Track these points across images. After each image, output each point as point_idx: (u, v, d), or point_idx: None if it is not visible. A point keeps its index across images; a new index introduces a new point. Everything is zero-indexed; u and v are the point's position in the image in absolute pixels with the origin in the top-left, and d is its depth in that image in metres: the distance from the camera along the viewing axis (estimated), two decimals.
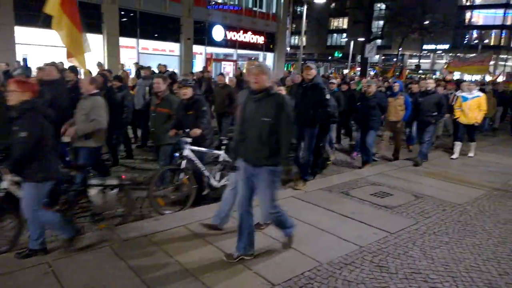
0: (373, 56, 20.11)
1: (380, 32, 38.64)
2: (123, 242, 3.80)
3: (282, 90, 6.16)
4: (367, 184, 6.18)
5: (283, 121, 3.28)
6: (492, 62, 46.73)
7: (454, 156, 8.47)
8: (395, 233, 4.31)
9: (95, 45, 16.46)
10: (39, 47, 14.70)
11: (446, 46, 48.60)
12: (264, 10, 24.43)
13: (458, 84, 13.74)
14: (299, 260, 3.64)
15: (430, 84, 7.79)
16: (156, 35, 19.19)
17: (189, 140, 4.90)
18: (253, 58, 16.97)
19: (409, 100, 7.83)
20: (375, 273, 3.45)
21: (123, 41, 17.53)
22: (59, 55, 14.32)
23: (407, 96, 7.96)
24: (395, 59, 43.45)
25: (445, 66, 21.93)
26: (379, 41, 39.69)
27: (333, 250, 3.86)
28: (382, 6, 40.73)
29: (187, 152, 4.92)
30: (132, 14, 17.78)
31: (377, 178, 6.55)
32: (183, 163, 4.88)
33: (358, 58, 29.15)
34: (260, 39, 24.31)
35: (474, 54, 20.61)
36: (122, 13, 17.29)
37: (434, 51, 50.28)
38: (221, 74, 9.85)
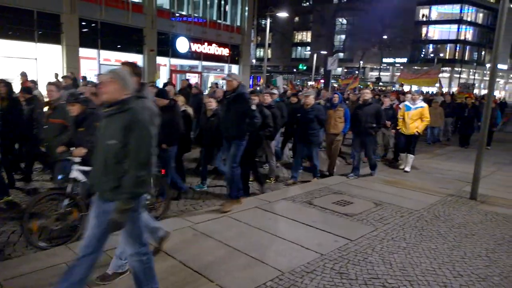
0: (335, 69, 20.74)
1: (342, 46, 40.02)
2: None
3: (212, 103, 6.35)
4: (329, 193, 6.29)
5: (131, 144, 2.55)
6: (441, 75, 49.69)
7: (407, 169, 8.23)
8: (355, 240, 4.39)
9: (54, 56, 15.93)
10: None
11: (405, 60, 51.13)
12: (228, 22, 24.64)
13: (399, 94, 14.51)
14: (262, 270, 3.62)
15: (367, 95, 7.57)
16: (118, 46, 18.80)
17: (76, 159, 4.22)
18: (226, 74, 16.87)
19: (349, 112, 7.68)
20: (336, 280, 3.49)
21: (84, 52, 17.03)
22: (16, 66, 13.70)
23: (346, 109, 7.75)
24: (356, 72, 45.06)
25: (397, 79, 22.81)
26: (341, 54, 41.12)
27: (295, 259, 3.88)
28: (343, 20, 42.35)
29: (75, 173, 4.19)
30: (93, 25, 17.34)
31: (339, 187, 6.69)
32: (69, 187, 4.15)
33: (322, 70, 29.95)
34: (225, 51, 24.43)
35: (425, 68, 21.30)
36: (83, 23, 16.83)
37: (393, 64, 52.76)
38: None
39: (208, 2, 23.35)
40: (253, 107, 5.25)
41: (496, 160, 10.03)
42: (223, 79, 6.05)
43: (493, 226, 5.13)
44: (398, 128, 8.38)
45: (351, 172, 7.59)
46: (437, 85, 21.06)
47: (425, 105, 8.15)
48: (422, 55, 54.21)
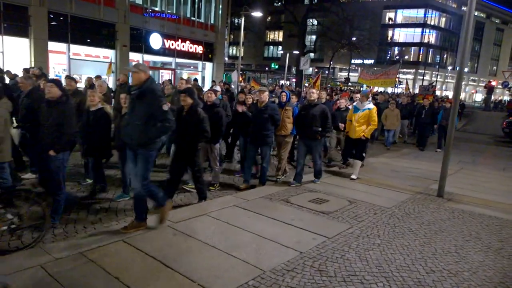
0: (307, 69, 20.99)
1: (313, 46, 40.62)
2: None
3: (123, 98, 5.67)
4: (305, 191, 6.42)
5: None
6: (404, 76, 51.36)
7: (353, 176, 7.48)
8: (332, 238, 4.52)
9: (21, 49, 15.24)
10: None
11: (372, 61, 52.59)
12: (202, 20, 24.43)
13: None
14: (243, 269, 3.66)
15: (313, 95, 6.84)
16: (89, 40, 18.21)
17: None
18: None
19: (301, 112, 7.02)
20: (316, 277, 3.58)
21: (53, 45, 16.38)
22: None
23: (295, 108, 7.20)
24: (327, 72, 45.90)
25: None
26: (312, 54, 41.74)
27: (276, 257, 3.94)
28: (314, 21, 43.00)
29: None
30: (62, 18, 16.70)
31: (314, 186, 6.83)
32: None
33: (294, 69, 30.33)
34: (199, 49, 24.22)
35: (383, 69, 20.82)
36: (52, 16, 16.18)
37: (361, 65, 54.19)
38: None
39: (183, 0, 23.06)
40: (165, 107, 4.16)
41: (460, 159, 10.55)
42: (128, 70, 5.04)
43: (460, 223, 5.42)
44: (346, 131, 7.86)
45: (293, 178, 6.94)
46: (403, 86, 21.43)
47: (372, 107, 7.47)
48: (388, 57, 56.01)
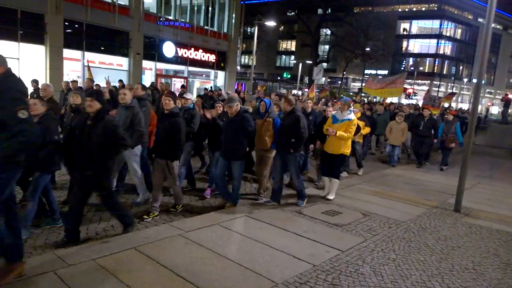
0: (320, 79, 20.97)
1: (326, 56, 40.63)
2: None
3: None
4: (318, 203, 6.33)
5: None
6: (419, 87, 50.80)
7: (329, 196, 6.54)
8: (346, 251, 4.43)
9: (37, 56, 15.56)
10: None
11: (386, 72, 52.35)
12: (215, 29, 24.68)
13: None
14: (255, 280, 3.59)
15: (286, 104, 6.03)
16: (103, 48, 18.53)
17: None
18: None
19: (279, 122, 6.15)
20: None
21: (68, 53, 16.70)
22: None
23: (277, 118, 6.19)
24: (339, 82, 45.85)
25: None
26: (325, 64, 41.76)
27: (288, 269, 3.87)
28: (327, 31, 43.09)
29: None
30: (77, 26, 17.05)
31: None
32: None
33: (306, 79, 30.34)
34: (211, 57, 24.42)
35: (390, 77, 19.42)
36: (67, 24, 16.52)
37: (375, 75, 53.93)
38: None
39: (196, 8, 23.36)
40: (22, 114, 3.11)
41: (477, 173, 10.33)
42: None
43: (477, 239, 5.26)
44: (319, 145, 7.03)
45: (270, 197, 6.27)
46: (417, 97, 20.03)
47: (353, 117, 6.47)
48: (402, 68, 55.69)
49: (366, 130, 8.88)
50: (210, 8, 24.28)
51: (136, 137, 5.48)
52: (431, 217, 6.07)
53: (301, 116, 5.94)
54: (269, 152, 6.24)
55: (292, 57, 58.12)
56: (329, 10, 37.77)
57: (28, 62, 15.20)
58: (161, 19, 20.98)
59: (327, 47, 46.39)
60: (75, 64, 17.29)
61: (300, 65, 33.19)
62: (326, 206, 6.19)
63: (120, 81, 14.02)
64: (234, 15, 25.38)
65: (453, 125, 10.59)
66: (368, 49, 38.35)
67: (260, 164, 6.42)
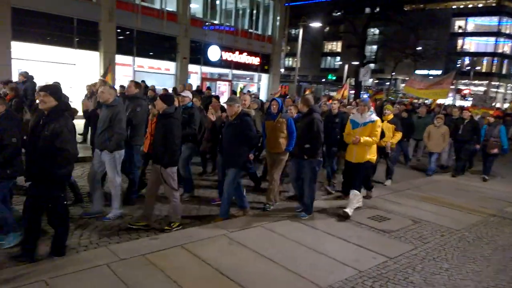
0: (367, 80, 20.40)
1: (373, 56, 39.45)
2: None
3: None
4: (364, 208, 6.14)
5: None
6: (476, 88, 47.59)
7: (347, 210, 5.53)
8: (394, 258, 4.25)
9: (92, 62, 16.55)
10: (35, 63, 14.67)
11: (439, 72, 49.78)
12: (259, 32, 24.83)
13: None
14: (299, 284, 3.56)
15: (300, 105, 5.58)
16: (152, 53, 19.32)
17: None
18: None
19: (293, 124, 5.71)
20: None
21: (120, 58, 17.61)
22: (55, 71, 14.34)
23: (290, 119, 5.74)
24: (388, 83, 44.32)
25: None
26: (372, 65, 40.56)
27: (333, 274, 3.79)
28: (375, 31, 41.83)
29: None
30: (129, 33, 17.92)
31: (373, 202, 6.51)
32: None
33: (352, 81, 29.67)
34: (256, 60, 24.60)
35: (437, 77, 16.96)
36: (119, 31, 17.43)
37: (427, 76, 51.56)
38: None
39: (240, 12, 23.68)
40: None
41: None
42: None
43: None
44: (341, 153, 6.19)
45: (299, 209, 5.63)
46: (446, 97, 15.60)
47: (376, 119, 5.65)
48: (457, 67, 52.67)
49: (397, 136, 7.61)
50: (254, 11, 24.49)
51: (115, 140, 4.83)
52: (487, 226, 5.67)
53: (317, 118, 5.30)
54: (283, 154, 5.75)
55: (338, 58, 57.05)
56: (377, 9, 36.65)
57: (84, 67, 16.22)
58: (207, 23, 21.48)
59: (374, 47, 45.04)
60: (126, 69, 18.17)
61: (346, 66, 32.50)
62: (372, 211, 5.99)
63: (143, 81, 14.03)
64: (278, 18, 25.41)
65: (496, 128, 9.19)
66: (419, 48, 36.71)
67: (271, 168, 5.92)
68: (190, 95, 6.33)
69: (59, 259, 3.70)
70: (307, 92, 16.89)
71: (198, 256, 3.97)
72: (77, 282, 3.30)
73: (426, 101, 21.13)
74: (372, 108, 5.83)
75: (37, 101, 4.06)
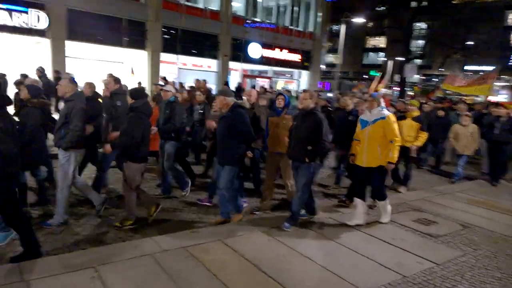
0: (412, 76, 19.58)
1: (420, 52, 37.73)
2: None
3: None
4: (408, 210, 5.91)
5: None
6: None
7: (384, 220, 5.17)
8: (442, 264, 4.05)
9: (138, 60, 17.24)
10: (86, 61, 15.51)
11: (492, 68, 46.73)
12: (300, 28, 24.62)
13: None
14: (339, 285, 3.49)
15: (305, 100, 4.75)
16: (195, 51, 19.76)
17: None
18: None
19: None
20: None
21: (165, 57, 18.20)
22: (107, 69, 15.09)
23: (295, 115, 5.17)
24: (436, 80, 42.28)
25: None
26: (418, 61, 38.86)
27: (374, 277, 3.68)
28: (422, 25, 40.01)
29: None
30: (173, 31, 18.45)
31: (419, 204, 6.25)
32: None
33: (396, 77, 28.58)
34: (296, 57, 24.44)
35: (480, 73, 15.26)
36: (165, 30, 17.99)
37: (477, 72, 48.61)
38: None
39: (281, 9, 23.58)
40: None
41: None
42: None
43: None
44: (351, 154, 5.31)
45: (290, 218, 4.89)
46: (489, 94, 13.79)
47: (387, 113, 4.92)
48: (510, 63, 49.16)
49: (422, 137, 6.83)
50: (295, 8, 24.30)
51: (69, 138, 4.46)
52: None
53: (322, 119, 4.66)
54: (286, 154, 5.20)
55: (381, 54, 55.25)
56: (425, 3, 34.99)
57: (131, 65, 16.92)
58: (248, 21, 21.61)
59: (421, 42, 43.14)
60: (171, 67, 18.74)
61: (390, 62, 31.40)
62: (417, 214, 5.75)
63: (164, 78, 14.31)
64: (319, 14, 25.04)
65: None
66: (470, 43, 34.66)
67: (274, 170, 5.55)
68: (173, 90, 6.18)
69: (105, 249, 3.90)
70: (355, 90, 16.35)
71: (238, 251, 4.01)
72: (123, 270, 3.45)
73: (464, 97, 19.47)
74: (383, 103, 5.07)
75: None
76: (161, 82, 12.34)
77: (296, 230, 4.76)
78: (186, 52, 19.22)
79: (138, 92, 4.81)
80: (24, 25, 13.87)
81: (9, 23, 13.49)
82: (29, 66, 12.30)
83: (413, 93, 21.38)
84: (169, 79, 16.45)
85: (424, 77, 49.61)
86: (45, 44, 14.68)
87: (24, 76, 8.77)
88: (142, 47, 17.38)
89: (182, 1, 18.36)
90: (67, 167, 4.58)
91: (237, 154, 4.70)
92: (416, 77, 40.52)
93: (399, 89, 26.69)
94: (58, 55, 14.74)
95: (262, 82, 22.43)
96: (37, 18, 14.10)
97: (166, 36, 18.14)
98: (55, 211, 4.64)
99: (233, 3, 20.56)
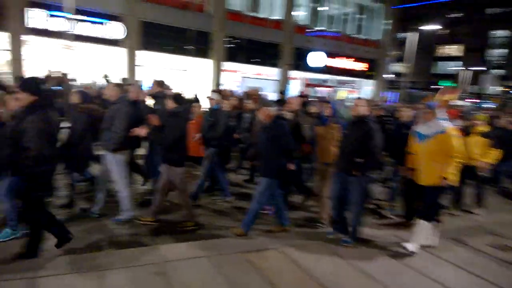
0: (488, 88, 18.04)
1: (499, 62, 34.84)
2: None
3: None
4: (484, 233, 5.37)
5: None
6: None
7: (409, 247, 4.50)
8: None
9: (202, 69, 17.97)
10: (155, 69, 16.48)
11: None
12: (365, 36, 23.93)
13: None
14: None
15: (359, 107, 4.46)
16: (257, 60, 20.09)
17: None
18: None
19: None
20: None
21: (229, 65, 18.78)
22: (172, 76, 15.90)
23: (345, 124, 4.88)
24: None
25: None
26: (497, 71, 35.81)
27: None
28: (502, 33, 36.88)
29: None
30: (236, 41, 18.96)
31: (497, 228, 5.64)
32: None
33: (470, 88, 26.54)
34: (360, 66, 23.76)
35: None
36: (228, 39, 18.55)
37: None
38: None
39: (345, 17, 23.12)
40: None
41: None
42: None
43: None
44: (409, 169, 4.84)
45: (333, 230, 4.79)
46: None
47: (445, 126, 4.40)
48: None
49: (492, 154, 6.03)
50: (359, 16, 23.71)
51: (114, 140, 4.67)
52: None
53: (374, 129, 4.34)
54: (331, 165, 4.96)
55: (452, 63, 51.87)
56: (502, 8, 32.25)
57: (195, 73, 17.69)
58: (310, 30, 21.49)
59: (496, 51, 39.77)
60: (233, 75, 19.24)
61: (463, 72, 29.32)
62: (493, 238, 5.20)
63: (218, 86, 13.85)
64: (386, 22, 24.17)
65: None
66: None
67: (323, 181, 5.23)
68: (217, 97, 6.21)
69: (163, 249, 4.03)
70: (425, 100, 15.20)
71: (294, 261, 3.92)
72: (180, 270, 3.54)
73: None
74: (443, 114, 4.60)
75: None
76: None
77: (357, 246, 4.54)
78: (249, 61, 19.63)
79: (180, 98, 4.88)
80: (104, 36, 15.11)
81: (91, 34, 14.78)
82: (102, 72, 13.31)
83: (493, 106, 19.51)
84: (233, 87, 16.90)
85: (506, 89, 45.48)
86: (120, 53, 15.87)
87: (121, 81, 8.55)
88: (207, 56, 18.07)
89: (246, 12, 18.82)
90: (117, 169, 4.72)
91: (276, 167, 4.58)
92: (495, 89, 37.24)
93: (477, 100, 24.69)
94: (131, 63, 15.87)
95: (325, 92, 22.08)
96: (114, 29, 15.32)
97: (229, 45, 18.68)
98: (121, 209, 4.88)
99: (296, 13, 20.61)
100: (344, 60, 22.96)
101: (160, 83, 6.07)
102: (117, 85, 5.19)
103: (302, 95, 10.35)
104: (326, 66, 22.21)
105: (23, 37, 13.51)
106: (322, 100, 6.42)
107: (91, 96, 5.42)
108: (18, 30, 13.40)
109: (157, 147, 5.36)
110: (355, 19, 23.55)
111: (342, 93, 24.39)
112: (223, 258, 3.88)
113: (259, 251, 4.11)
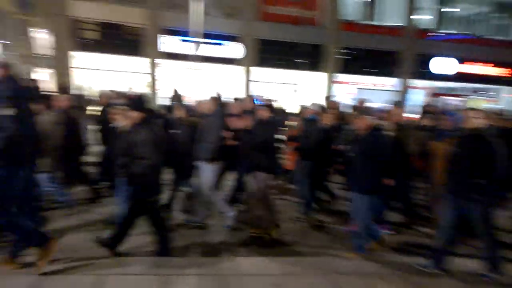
0: None
1: None
2: None
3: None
4: None
5: None
6: None
7: None
8: None
9: (313, 82, 17.93)
10: (267, 84, 17.00)
11: None
12: (503, 37, 20.42)
13: None
14: None
15: (474, 119, 3.75)
16: (374, 70, 19.05)
17: None
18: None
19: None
20: None
21: (341, 77, 18.29)
22: (282, 90, 16.16)
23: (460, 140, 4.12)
24: None
25: None
26: None
27: None
28: None
29: None
30: (351, 52, 18.33)
31: None
32: None
33: None
34: (500, 71, 20.37)
35: None
36: (342, 51, 18.07)
37: None
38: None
39: (478, 17, 20.19)
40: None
41: None
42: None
43: None
44: None
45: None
46: None
47: None
48: None
49: None
50: (498, 15, 20.44)
51: (207, 151, 4.92)
52: None
53: (494, 144, 3.62)
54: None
55: None
56: None
57: (307, 87, 17.76)
58: (435, 34, 19.42)
59: None
60: (347, 87, 18.61)
61: None
62: None
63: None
64: None
65: None
66: None
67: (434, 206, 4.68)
68: (316, 108, 6.21)
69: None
70: None
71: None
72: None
73: None
74: None
75: None
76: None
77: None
78: (364, 71, 18.76)
79: (273, 108, 5.13)
80: (225, 56, 16.34)
81: (213, 54, 16.14)
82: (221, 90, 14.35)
83: None
84: (345, 99, 16.30)
85: None
86: (237, 70, 16.89)
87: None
88: (319, 69, 17.90)
89: (361, 21, 18.10)
90: (207, 178, 4.97)
91: (367, 183, 4.07)
92: None
93: None
94: (246, 79, 16.79)
95: (455, 101, 19.53)
96: (234, 49, 16.45)
97: (343, 56, 18.19)
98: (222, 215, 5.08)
99: (418, 16, 18.89)
100: (478, 65, 20.02)
101: (216, 99, 6.08)
102: (214, 99, 5.49)
103: (425, 109, 8.91)
104: (455, 72, 19.73)
105: (156, 61, 15.56)
106: (439, 112, 5.58)
107: (194, 110, 5.78)
108: (153, 55, 15.49)
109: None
110: (491, 18, 20.41)
111: (478, 103, 21.25)
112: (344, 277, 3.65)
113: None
